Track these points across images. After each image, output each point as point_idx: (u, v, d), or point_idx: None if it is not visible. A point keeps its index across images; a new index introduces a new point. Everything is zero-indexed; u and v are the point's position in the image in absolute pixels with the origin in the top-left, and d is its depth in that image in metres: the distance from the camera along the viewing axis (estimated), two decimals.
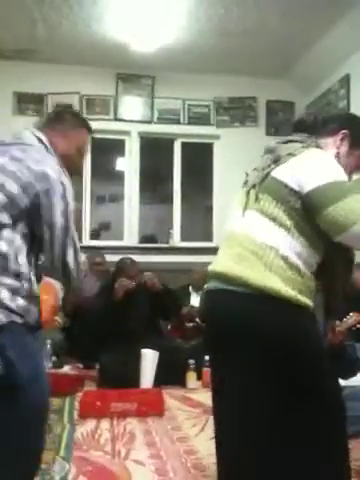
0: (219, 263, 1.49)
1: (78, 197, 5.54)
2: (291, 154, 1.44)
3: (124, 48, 4.79)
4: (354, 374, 2.75)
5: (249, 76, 5.04)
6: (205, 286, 1.56)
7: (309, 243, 1.41)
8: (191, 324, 4.57)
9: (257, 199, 1.45)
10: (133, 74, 5.32)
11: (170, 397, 3.36)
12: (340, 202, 1.30)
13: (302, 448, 1.34)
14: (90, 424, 2.84)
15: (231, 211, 1.59)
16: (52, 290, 4.51)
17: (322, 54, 4.65)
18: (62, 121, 1.62)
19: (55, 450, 2.43)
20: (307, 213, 1.39)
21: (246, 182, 1.56)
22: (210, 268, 1.53)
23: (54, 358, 3.79)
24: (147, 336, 3.72)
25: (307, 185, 1.36)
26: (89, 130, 1.71)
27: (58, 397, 3.29)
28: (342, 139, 1.56)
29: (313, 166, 1.39)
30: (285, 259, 1.38)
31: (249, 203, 1.48)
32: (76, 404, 3.15)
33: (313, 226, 1.39)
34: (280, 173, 1.43)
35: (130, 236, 5.45)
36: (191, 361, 3.65)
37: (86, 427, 2.79)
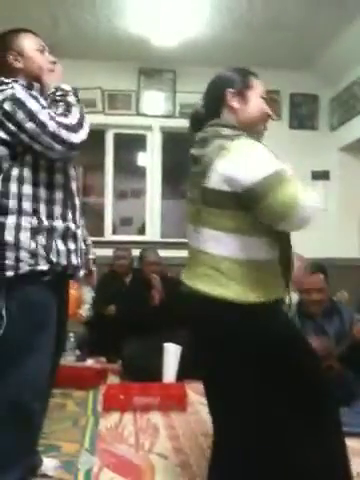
0: (190, 279, 1.54)
1: (100, 192, 5.57)
2: (213, 158, 1.45)
3: (146, 43, 4.78)
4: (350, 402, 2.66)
5: (272, 69, 4.96)
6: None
7: (260, 231, 1.45)
8: None
9: (201, 214, 1.49)
10: (155, 69, 5.31)
11: (193, 391, 3.36)
12: (275, 193, 1.34)
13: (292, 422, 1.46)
14: (114, 417, 2.87)
15: (187, 223, 1.62)
16: (75, 283, 4.51)
17: (347, 45, 4.57)
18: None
19: (80, 442, 2.46)
20: (247, 206, 1.42)
21: (188, 197, 1.59)
22: (184, 278, 1.58)
23: (77, 351, 3.83)
24: (170, 329, 3.73)
25: (244, 181, 1.39)
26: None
27: (82, 390, 3.33)
28: (232, 98, 1.60)
29: (238, 165, 1.41)
30: (241, 263, 1.44)
31: (197, 218, 1.52)
32: (100, 397, 3.18)
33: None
34: (213, 183, 1.44)
35: (152, 231, 5.47)
36: None
37: (110, 420, 2.82)
